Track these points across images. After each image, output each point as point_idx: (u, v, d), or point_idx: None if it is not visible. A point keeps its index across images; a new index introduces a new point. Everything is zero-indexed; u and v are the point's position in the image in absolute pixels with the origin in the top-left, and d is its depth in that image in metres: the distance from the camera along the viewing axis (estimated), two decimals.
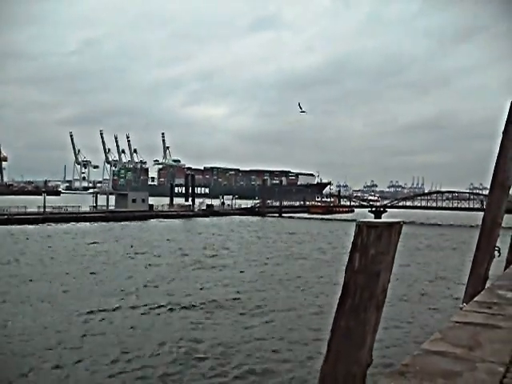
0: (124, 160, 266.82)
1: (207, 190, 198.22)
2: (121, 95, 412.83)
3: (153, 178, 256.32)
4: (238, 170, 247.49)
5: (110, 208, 70.48)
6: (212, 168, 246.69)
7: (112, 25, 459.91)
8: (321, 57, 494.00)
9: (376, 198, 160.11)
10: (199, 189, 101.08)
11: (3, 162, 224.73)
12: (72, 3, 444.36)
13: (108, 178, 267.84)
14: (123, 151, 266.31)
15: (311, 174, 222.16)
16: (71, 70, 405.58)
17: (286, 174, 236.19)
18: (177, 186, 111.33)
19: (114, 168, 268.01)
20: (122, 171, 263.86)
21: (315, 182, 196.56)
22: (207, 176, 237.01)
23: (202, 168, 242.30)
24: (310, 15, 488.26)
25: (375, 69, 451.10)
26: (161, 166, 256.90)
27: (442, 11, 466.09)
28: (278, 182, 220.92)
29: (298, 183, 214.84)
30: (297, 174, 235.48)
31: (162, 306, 18.79)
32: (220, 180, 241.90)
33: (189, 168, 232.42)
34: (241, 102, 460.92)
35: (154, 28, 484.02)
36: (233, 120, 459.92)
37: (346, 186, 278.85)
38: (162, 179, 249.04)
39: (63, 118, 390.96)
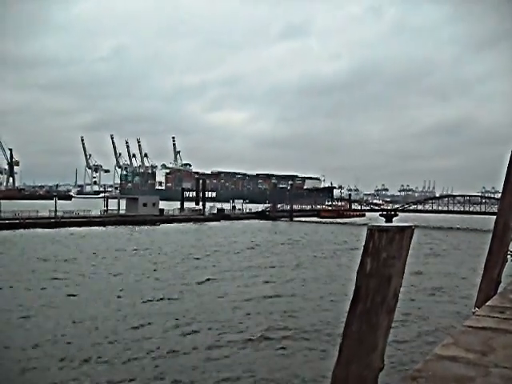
0: (135, 164, 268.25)
1: (214, 194, 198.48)
2: (143, 102, 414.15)
3: (160, 183, 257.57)
4: (245, 174, 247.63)
5: (120, 212, 70.84)
6: (219, 172, 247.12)
7: (142, 32, 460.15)
8: (346, 63, 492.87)
9: (381, 201, 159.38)
10: (207, 193, 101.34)
11: (15, 167, 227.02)
12: (104, 11, 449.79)
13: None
14: (134, 155, 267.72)
15: (317, 178, 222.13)
16: (96, 77, 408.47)
17: (292, 178, 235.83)
18: (185, 190, 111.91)
19: (124, 172, 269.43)
20: (130, 175, 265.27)
21: (321, 186, 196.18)
22: (214, 180, 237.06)
23: (210, 172, 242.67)
24: (340, 23, 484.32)
25: (398, 75, 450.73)
26: (168, 171, 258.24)
27: (467, 19, 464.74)
28: (285, 186, 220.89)
29: (305, 187, 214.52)
30: (303, 178, 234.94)
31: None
32: (227, 184, 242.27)
33: (196, 172, 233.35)
34: (262, 107, 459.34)
35: (184, 36, 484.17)
36: (252, 125, 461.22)
37: (356, 189, 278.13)
38: (169, 183, 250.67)
39: (81, 124, 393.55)
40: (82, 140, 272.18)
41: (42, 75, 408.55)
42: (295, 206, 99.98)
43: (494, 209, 65.57)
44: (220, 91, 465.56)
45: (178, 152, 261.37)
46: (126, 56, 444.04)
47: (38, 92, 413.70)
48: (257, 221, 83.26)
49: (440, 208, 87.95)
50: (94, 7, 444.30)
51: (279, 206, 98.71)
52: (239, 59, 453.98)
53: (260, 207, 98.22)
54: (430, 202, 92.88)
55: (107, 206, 71.75)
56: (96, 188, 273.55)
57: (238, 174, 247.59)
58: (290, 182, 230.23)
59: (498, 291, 5.64)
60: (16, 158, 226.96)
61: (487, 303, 5.00)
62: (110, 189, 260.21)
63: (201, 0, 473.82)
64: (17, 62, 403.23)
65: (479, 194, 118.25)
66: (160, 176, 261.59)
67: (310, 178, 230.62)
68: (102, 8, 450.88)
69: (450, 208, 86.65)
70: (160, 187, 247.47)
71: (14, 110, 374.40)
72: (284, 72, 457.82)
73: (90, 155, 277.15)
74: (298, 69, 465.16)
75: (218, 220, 79.22)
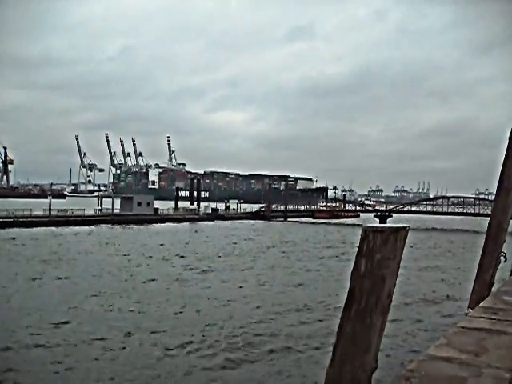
0: (129, 164, 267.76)
1: (207, 194, 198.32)
2: (146, 102, 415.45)
3: (153, 182, 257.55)
4: (237, 174, 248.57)
5: (115, 211, 70.57)
6: (212, 172, 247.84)
7: (149, 33, 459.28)
8: (349, 66, 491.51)
9: (372, 202, 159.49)
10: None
11: (9, 165, 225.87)
12: (112, 12, 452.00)
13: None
14: (128, 154, 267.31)
15: (310, 179, 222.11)
16: (102, 77, 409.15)
17: (285, 178, 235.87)
18: (178, 189, 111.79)
19: (118, 171, 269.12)
20: (123, 175, 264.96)
21: (314, 187, 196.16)
22: (207, 180, 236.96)
23: (203, 172, 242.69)
24: (344, 26, 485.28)
25: (400, 77, 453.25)
26: (161, 170, 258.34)
27: (469, 23, 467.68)
28: (277, 186, 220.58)
29: (297, 188, 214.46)
30: (296, 179, 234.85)
31: None
32: (220, 184, 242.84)
33: (189, 172, 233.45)
34: (264, 108, 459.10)
35: (190, 37, 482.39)
36: (253, 126, 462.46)
37: (351, 190, 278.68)
38: (162, 183, 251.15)
39: (83, 123, 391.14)
40: (77, 139, 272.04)
41: (48, 75, 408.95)
42: (290, 207, 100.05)
43: (488, 210, 65.76)
44: (223, 92, 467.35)
45: (173, 151, 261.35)
46: (133, 56, 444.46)
47: (44, 91, 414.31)
48: (251, 221, 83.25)
49: (434, 209, 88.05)
50: (102, 8, 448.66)
51: (274, 206, 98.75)
52: (244, 61, 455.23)
53: (254, 207, 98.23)
54: (425, 203, 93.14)
55: (101, 205, 71.47)
56: (90, 187, 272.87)
57: (231, 174, 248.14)
58: (282, 183, 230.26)
59: (492, 292, 5.66)
60: (11, 156, 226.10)
61: (480, 304, 5.02)
62: (104, 188, 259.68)
63: (207, 2, 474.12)
64: (24, 62, 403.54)
65: (473, 196, 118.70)
66: (153, 175, 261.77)
67: (303, 179, 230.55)
68: (110, 9, 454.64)
69: (444, 209, 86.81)
70: (153, 186, 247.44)
71: (18, 109, 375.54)
72: (287, 74, 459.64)
73: (84, 154, 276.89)
74: (301, 71, 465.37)
75: (213, 220, 79.11)
